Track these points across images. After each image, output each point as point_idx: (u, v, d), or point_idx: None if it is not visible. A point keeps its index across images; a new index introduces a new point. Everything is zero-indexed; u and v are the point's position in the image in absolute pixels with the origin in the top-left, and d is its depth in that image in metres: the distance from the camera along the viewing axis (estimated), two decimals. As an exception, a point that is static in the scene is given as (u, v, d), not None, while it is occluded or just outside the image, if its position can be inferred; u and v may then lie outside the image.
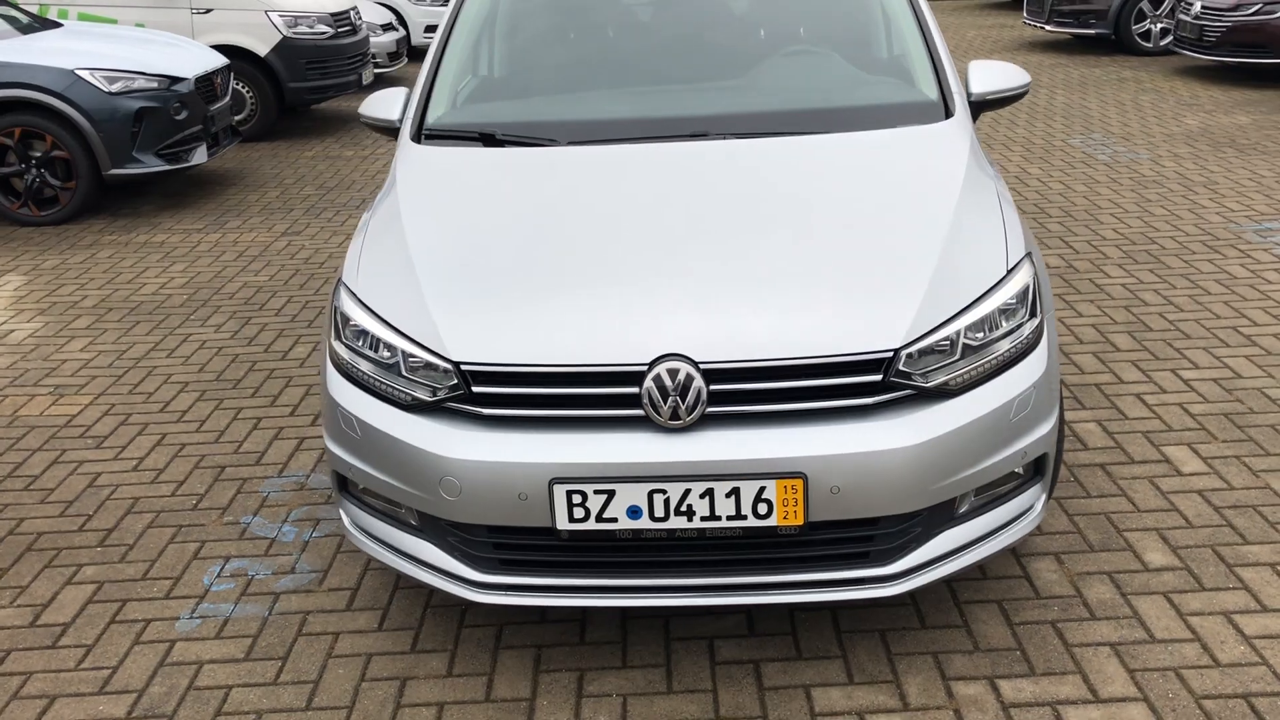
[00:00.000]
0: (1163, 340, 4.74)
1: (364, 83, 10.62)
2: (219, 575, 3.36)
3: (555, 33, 3.85)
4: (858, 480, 2.52)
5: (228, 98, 8.36)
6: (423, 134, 3.50)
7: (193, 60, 7.97)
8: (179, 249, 6.80)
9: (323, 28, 10.01)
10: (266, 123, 9.91)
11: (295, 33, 9.77)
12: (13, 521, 3.73)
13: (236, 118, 9.26)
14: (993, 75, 3.63)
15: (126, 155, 7.36)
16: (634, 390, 2.57)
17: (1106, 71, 11.84)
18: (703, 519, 2.54)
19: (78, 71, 7.24)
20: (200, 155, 7.83)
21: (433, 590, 3.21)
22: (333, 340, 2.94)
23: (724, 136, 3.26)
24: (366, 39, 10.79)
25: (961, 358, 2.64)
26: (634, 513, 2.55)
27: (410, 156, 3.40)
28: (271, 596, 3.25)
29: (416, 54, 15.35)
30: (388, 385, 2.75)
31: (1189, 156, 7.92)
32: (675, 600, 2.64)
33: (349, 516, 3.00)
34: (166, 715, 2.78)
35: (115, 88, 7.31)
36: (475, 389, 2.63)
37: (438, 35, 3.79)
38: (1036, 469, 2.84)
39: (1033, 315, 2.79)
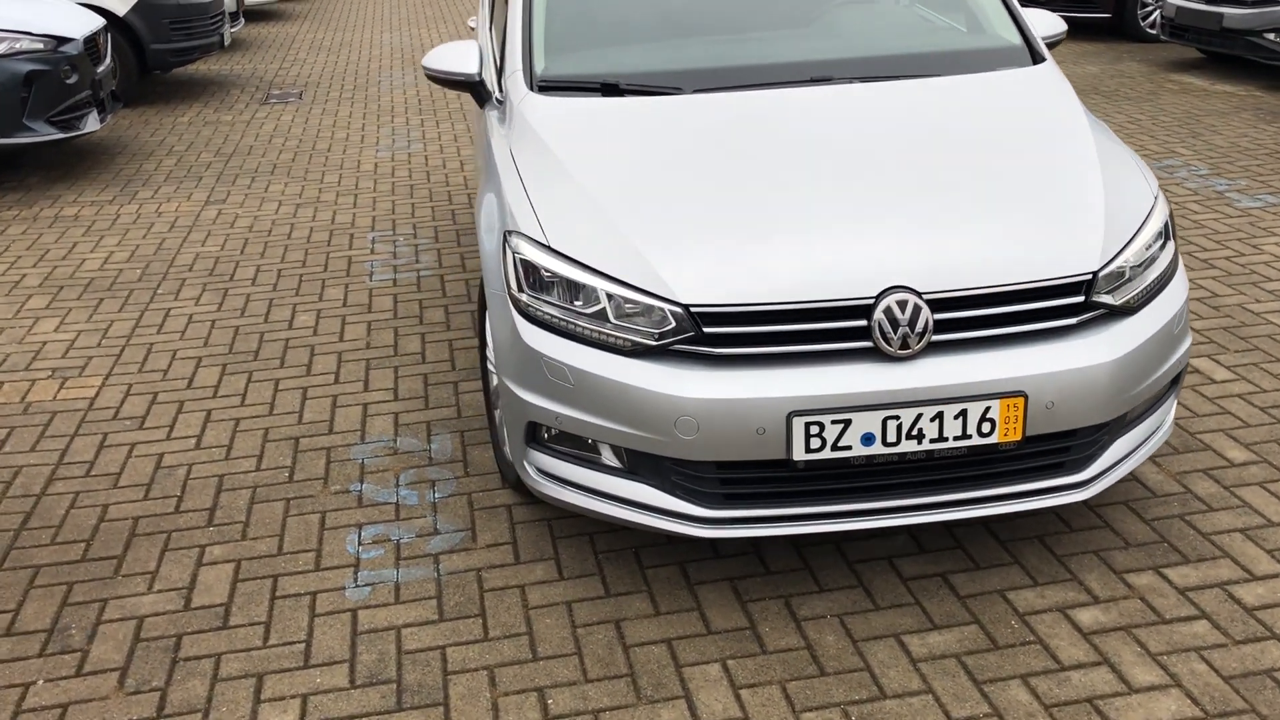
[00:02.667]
0: (1134, 268, 5.19)
1: (225, 44, 10.09)
2: (361, 543, 3.28)
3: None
4: (1069, 394, 2.74)
5: (109, 60, 7.81)
6: (536, 85, 3.46)
7: (74, 20, 7.39)
8: (99, 222, 6.36)
9: (183, -15, 9.42)
10: (127, 88, 9.27)
11: (157, -10, 9.17)
12: (97, 508, 3.50)
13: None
14: (1042, 22, 3.90)
15: (16, 123, 6.80)
16: (862, 323, 2.69)
17: (944, 27, 12.53)
18: (931, 441, 2.71)
19: (-43, 32, 6.62)
20: (93, 122, 7.31)
21: (594, 534, 3.24)
22: (516, 292, 2.92)
23: (848, 80, 3.40)
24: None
25: (1132, 279, 2.89)
26: (868, 439, 2.69)
27: (538, 106, 3.36)
28: (430, 559, 3.20)
29: (250, 15, 14.65)
30: (598, 332, 2.77)
31: (1066, 103, 8.55)
32: (901, 519, 2.79)
33: (534, 465, 3.00)
34: (393, 680, 2.73)
35: (0, 49, 6.72)
36: (706, 330, 2.70)
37: (520, -13, 3.74)
38: (1174, 381, 3.14)
39: (1169, 240, 3.08)
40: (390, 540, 3.29)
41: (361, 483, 3.60)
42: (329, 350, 4.60)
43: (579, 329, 2.81)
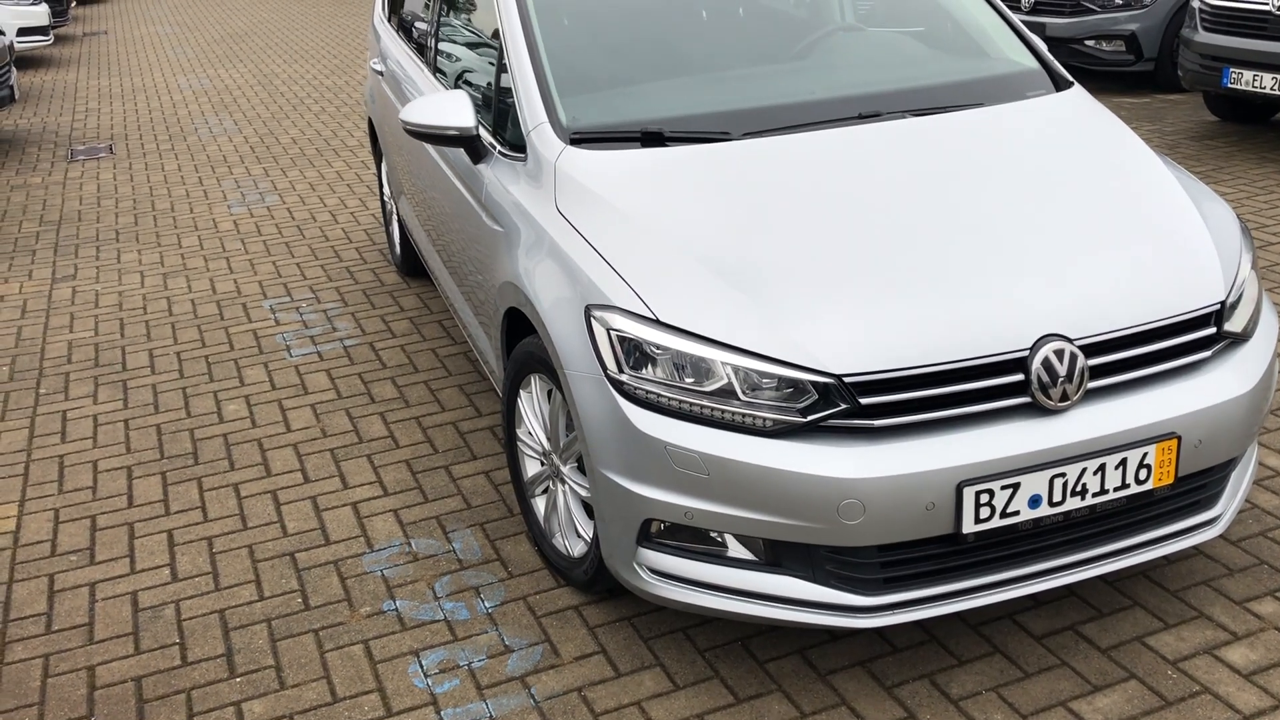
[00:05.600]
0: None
1: (15, 97, 9.06)
2: (428, 674, 2.84)
3: (644, 17, 3.54)
4: (1214, 430, 2.63)
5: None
6: (569, 137, 3.09)
7: None
8: (-71, 313, 5.50)
9: (-36, 35, 8.40)
10: (-93, 153, 8.18)
11: (-63, 42, 8.13)
12: (81, 672, 2.90)
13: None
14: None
15: None
16: (1019, 377, 2.50)
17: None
18: (1093, 495, 2.54)
19: None
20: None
21: (688, 629, 2.92)
22: (616, 373, 2.58)
23: (897, 115, 3.20)
24: (4, 47, 9.19)
25: (1238, 304, 2.82)
26: (1034, 502, 2.50)
27: (587, 162, 2.99)
28: (517, 683, 2.79)
29: (19, 63, 13.36)
30: (722, 411, 2.47)
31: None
32: (1063, 578, 2.61)
33: (646, 566, 2.66)
34: (545, 843, 2.34)
35: None
36: (863, 401, 2.44)
37: (516, 30, 3.35)
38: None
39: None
40: (460, 666, 2.87)
41: (393, 600, 3.14)
42: (280, 443, 4.06)
43: (698, 410, 2.50)
